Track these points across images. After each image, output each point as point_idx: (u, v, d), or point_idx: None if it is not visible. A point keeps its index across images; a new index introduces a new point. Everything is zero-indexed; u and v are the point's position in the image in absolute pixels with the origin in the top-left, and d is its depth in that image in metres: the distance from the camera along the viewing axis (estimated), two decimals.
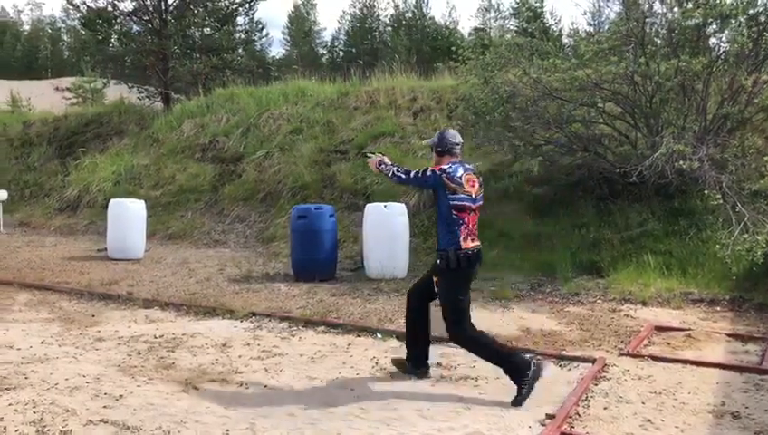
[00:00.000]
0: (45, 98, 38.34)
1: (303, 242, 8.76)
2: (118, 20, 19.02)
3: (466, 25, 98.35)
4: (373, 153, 5.23)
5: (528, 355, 5.12)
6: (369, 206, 9.04)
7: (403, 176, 4.86)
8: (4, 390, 4.69)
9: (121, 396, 4.61)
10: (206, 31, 19.85)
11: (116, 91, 24.70)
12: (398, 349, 5.74)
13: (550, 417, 4.15)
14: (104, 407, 4.40)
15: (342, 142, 13.11)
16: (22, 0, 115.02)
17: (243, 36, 22.47)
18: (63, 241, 12.64)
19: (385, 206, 8.84)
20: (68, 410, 4.31)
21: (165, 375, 5.09)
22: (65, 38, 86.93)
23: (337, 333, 6.33)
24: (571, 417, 4.21)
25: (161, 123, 16.23)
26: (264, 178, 12.91)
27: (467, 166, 4.82)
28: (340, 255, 9.48)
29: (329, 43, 74.91)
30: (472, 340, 4.77)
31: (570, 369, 5.23)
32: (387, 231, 8.60)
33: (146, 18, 18.61)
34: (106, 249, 10.73)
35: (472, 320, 4.82)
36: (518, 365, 4.58)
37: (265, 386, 4.86)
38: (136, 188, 14.01)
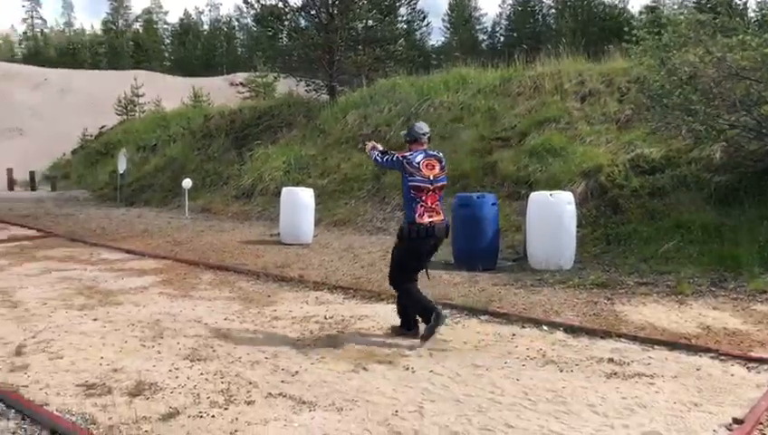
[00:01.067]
0: (221, 93, 41.38)
1: (465, 230, 8.75)
2: (287, 16, 20.00)
3: (637, 3, 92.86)
4: (371, 141, 6.33)
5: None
6: (533, 194, 8.82)
7: (378, 159, 5.76)
8: (196, 360, 5.13)
9: (297, 372, 4.86)
10: (369, 23, 20.33)
11: (285, 85, 26.12)
12: (565, 342, 5.59)
13: (737, 422, 3.84)
14: (282, 381, 4.67)
15: (504, 129, 12.91)
16: (202, 1, 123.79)
17: (404, 26, 22.73)
18: (240, 226, 13.55)
19: (551, 194, 8.58)
20: (251, 383, 4.62)
21: (336, 355, 5.30)
22: (239, 36, 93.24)
23: (501, 322, 6.25)
24: (761, 423, 3.86)
25: (327, 115, 16.91)
26: None
27: (430, 153, 5.60)
28: (502, 244, 9.35)
29: (489, 29, 74.09)
30: (406, 297, 5.69)
31: (758, 372, 4.79)
32: (552, 220, 8.34)
33: (313, 13, 19.42)
34: (279, 234, 11.38)
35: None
36: (427, 316, 5.48)
37: (431, 371, 4.90)
38: (304, 177, 14.70)
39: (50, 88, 54.79)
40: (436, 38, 72.04)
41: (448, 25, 72.61)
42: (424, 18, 25.13)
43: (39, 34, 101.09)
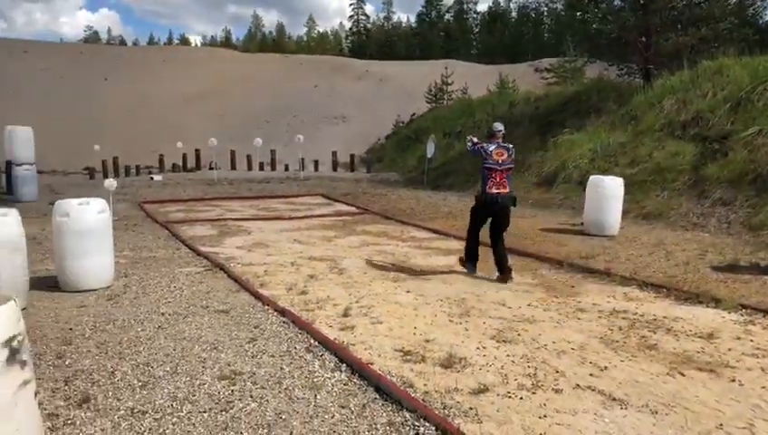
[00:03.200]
0: (526, 79, 41.50)
1: None
2: None
3: None
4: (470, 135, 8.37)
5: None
6: None
7: (468, 147, 7.91)
8: (502, 342, 5.22)
9: (606, 368, 4.67)
10: (695, 0, 18.51)
11: (594, 70, 25.16)
12: None
13: None
14: (590, 375, 4.53)
15: None
16: None
17: (736, 1, 20.24)
18: (540, 213, 13.44)
19: None
20: (557, 372, 4.56)
21: (648, 355, 4.98)
22: (546, 21, 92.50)
23: None
24: None
25: (640, 100, 15.87)
26: (756, 159, 11.54)
27: (502, 144, 7.59)
28: None
29: None
30: (467, 237, 8.04)
31: None
32: None
33: None
34: (582, 224, 11.06)
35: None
36: (471, 260, 7.94)
37: (763, 387, 4.35)
38: (610, 166, 14.03)
39: (370, 79, 60.28)
40: None
41: None
42: None
43: (362, 30, 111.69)
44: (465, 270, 7.96)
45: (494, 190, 7.51)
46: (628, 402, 4.05)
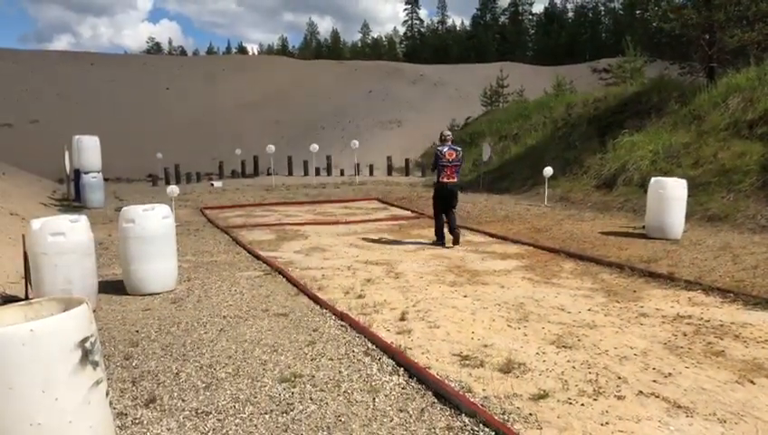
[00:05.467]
0: (584, 80, 40.79)
1: None
2: None
3: None
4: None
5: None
6: None
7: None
8: (562, 347, 5.15)
9: (670, 374, 4.56)
10: None
11: (655, 69, 24.57)
12: None
13: None
14: (654, 381, 4.42)
15: None
16: None
17: None
18: (600, 216, 13.17)
19: None
20: (620, 378, 4.47)
21: (714, 362, 4.83)
22: (604, 21, 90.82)
23: None
24: None
25: (703, 99, 15.40)
26: None
27: (452, 146, 10.02)
28: None
29: None
30: (435, 220, 10.48)
31: None
32: None
33: None
34: (644, 227, 10.79)
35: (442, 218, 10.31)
36: (440, 237, 10.36)
37: None
38: (673, 167, 13.67)
39: (425, 83, 60.29)
40: None
41: None
42: None
43: (416, 34, 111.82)
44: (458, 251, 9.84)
45: (445, 180, 10.02)
46: (695, 410, 3.94)
